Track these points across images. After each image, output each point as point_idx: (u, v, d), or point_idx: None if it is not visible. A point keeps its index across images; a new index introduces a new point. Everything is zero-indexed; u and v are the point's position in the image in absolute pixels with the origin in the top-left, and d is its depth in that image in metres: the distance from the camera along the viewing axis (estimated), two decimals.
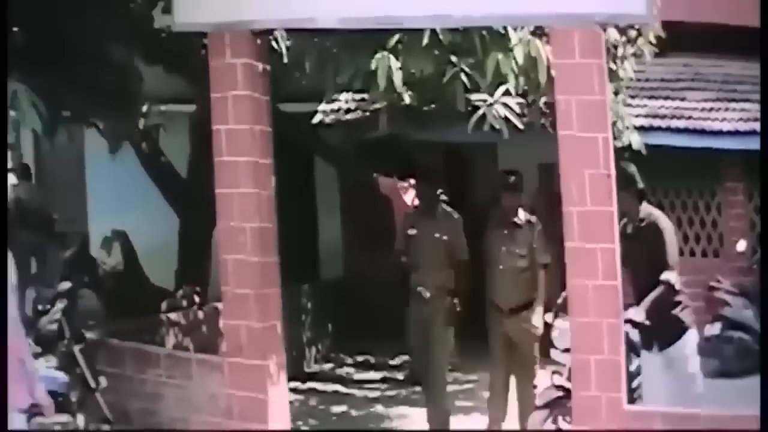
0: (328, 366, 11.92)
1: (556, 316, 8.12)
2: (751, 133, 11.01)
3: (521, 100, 7.61)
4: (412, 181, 10.31)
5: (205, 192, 11.41)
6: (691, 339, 8.07)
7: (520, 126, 7.66)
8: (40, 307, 7.42)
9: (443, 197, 9.43)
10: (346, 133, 12.12)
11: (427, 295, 8.90)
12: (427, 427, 9.06)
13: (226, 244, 7.18)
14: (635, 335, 7.72)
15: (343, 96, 11.99)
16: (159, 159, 12.12)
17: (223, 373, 7.28)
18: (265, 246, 7.19)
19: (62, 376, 7.08)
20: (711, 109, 11.61)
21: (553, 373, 8.06)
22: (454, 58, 7.40)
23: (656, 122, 11.45)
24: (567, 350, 7.74)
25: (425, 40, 7.22)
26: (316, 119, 12.12)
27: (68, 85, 7.85)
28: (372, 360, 11.89)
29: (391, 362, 11.51)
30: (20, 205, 11.65)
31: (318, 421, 9.53)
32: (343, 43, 7.45)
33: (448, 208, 9.34)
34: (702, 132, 11.43)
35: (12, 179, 11.43)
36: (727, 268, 11.38)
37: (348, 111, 12.14)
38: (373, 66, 7.09)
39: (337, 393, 10.73)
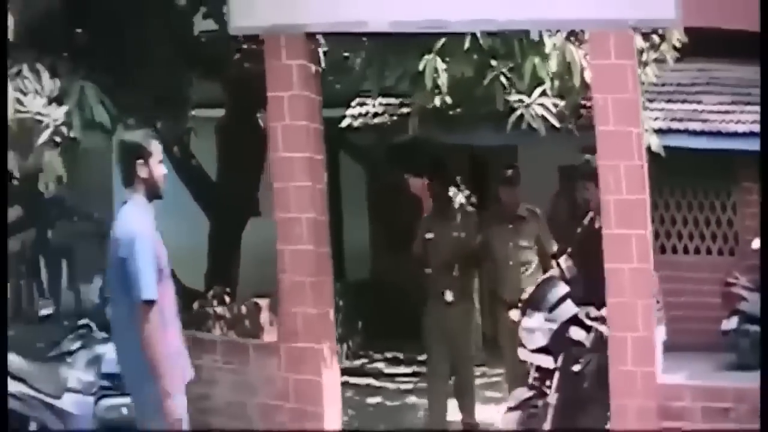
0: (359, 362, 12.64)
1: (523, 314, 8.41)
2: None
3: (557, 101, 8.36)
4: (454, 190, 10.62)
5: (234, 195, 12.28)
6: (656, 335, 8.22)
7: (557, 125, 8.40)
8: (107, 295, 8.09)
9: (460, 195, 10.07)
10: (374, 136, 12.82)
11: (451, 298, 9.17)
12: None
13: (282, 234, 7.82)
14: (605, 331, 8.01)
15: (370, 100, 12.74)
16: (190, 162, 12.79)
17: (279, 358, 7.93)
18: (319, 236, 7.87)
19: None
20: (726, 112, 12.44)
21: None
22: (493, 62, 8.20)
23: (674, 125, 12.23)
24: (536, 350, 8.22)
25: (467, 45, 8.02)
26: (344, 123, 12.84)
27: (128, 85, 8.50)
28: (401, 356, 12.58)
29: (420, 358, 12.11)
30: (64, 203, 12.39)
31: (355, 412, 10.19)
32: (385, 46, 8.22)
33: (465, 206, 9.82)
34: (718, 134, 12.28)
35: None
36: (742, 266, 12.23)
37: (375, 115, 12.86)
38: (420, 67, 7.86)
39: (370, 386, 11.44)
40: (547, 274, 8.76)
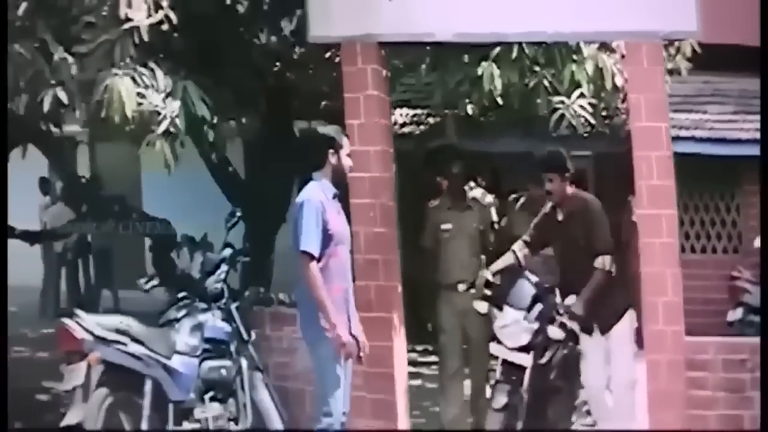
0: None
1: (496, 308, 9.31)
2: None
3: (594, 101, 10.35)
4: (472, 184, 11.75)
5: (267, 202, 14.01)
6: (627, 320, 9.19)
7: (593, 121, 10.37)
8: (207, 270, 9.89)
9: (478, 190, 11.22)
10: (410, 142, 14.67)
11: (463, 288, 10.09)
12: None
13: (357, 217, 9.48)
14: (575, 327, 9.04)
15: (397, 111, 14.62)
16: (227, 169, 14.47)
17: None
18: (389, 219, 9.62)
19: (227, 327, 9.53)
20: (730, 121, 14.49)
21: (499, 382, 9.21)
22: (537, 69, 10.17)
23: (682, 132, 14.18)
24: (520, 349, 9.01)
25: (514, 54, 10.01)
26: None
27: (214, 86, 10.10)
28: (430, 348, 14.27)
29: None
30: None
31: None
32: (446, 54, 10.16)
33: (478, 196, 10.76)
34: (722, 141, 14.34)
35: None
36: (746, 263, 14.04)
37: (403, 125, 14.74)
38: (479, 72, 9.81)
39: (408, 372, 13.15)
40: (504, 262, 9.54)
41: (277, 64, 12.43)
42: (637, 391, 9.21)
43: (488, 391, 10.07)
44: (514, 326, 9.09)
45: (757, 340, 9.12)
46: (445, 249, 10.40)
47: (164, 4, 8.87)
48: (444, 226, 10.40)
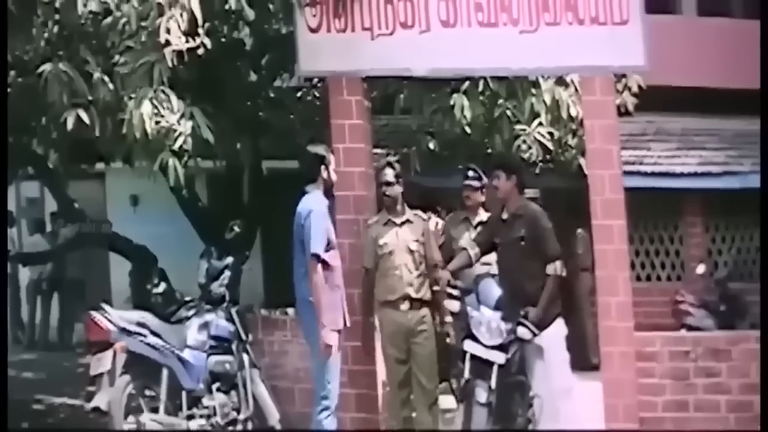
0: None
1: (463, 303, 10.51)
2: (707, 174, 16.41)
3: (551, 130, 12.83)
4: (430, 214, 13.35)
5: (236, 238, 15.74)
6: (558, 326, 10.32)
7: (551, 147, 12.83)
8: (212, 275, 11.96)
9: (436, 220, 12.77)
10: None
11: (406, 306, 10.95)
12: None
13: (343, 231, 11.28)
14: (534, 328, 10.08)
15: None
16: (197, 204, 16.31)
17: None
18: None
19: (231, 327, 11.69)
20: (672, 156, 16.92)
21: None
22: (500, 101, 12.65)
23: (627, 167, 16.20)
24: (496, 347, 10.04)
25: (480, 87, 12.49)
26: None
27: (216, 113, 12.05)
28: None
29: None
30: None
31: None
32: (422, 87, 12.58)
33: (414, 212, 11.41)
34: (665, 175, 16.71)
35: None
36: (688, 289, 16.35)
37: None
38: (451, 103, 12.24)
39: None
40: (459, 261, 10.62)
41: (247, 103, 14.35)
42: (571, 400, 10.42)
43: (444, 401, 11.82)
44: (491, 325, 10.17)
45: (698, 333, 11.50)
46: (385, 265, 11.10)
47: (200, 31, 10.50)
48: (381, 241, 11.08)
